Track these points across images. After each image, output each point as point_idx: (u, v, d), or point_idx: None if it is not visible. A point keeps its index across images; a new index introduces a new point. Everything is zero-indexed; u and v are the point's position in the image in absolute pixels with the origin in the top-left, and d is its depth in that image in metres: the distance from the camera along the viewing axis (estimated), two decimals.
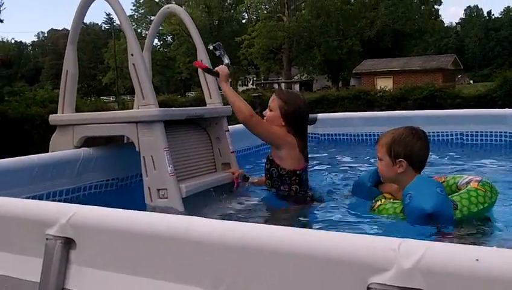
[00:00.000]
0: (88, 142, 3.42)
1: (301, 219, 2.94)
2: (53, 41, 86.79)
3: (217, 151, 3.59)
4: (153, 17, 44.28)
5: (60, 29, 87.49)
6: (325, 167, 4.47)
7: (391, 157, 2.62)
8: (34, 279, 1.58)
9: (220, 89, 3.45)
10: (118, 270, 1.50)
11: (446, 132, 5.41)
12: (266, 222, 2.93)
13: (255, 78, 61.43)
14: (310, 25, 44.10)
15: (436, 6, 57.27)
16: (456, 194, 2.48)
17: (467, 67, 69.20)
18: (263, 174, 3.35)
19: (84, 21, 3.73)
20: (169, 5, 4.27)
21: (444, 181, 2.72)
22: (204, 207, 3.13)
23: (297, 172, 3.16)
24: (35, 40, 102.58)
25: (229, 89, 3.25)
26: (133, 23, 50.99)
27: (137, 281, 1.46)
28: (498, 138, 5.20)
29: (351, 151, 5.44)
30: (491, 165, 4.22)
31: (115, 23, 66.64)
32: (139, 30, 52.99)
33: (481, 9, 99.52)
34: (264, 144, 3.27)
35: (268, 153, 3.31)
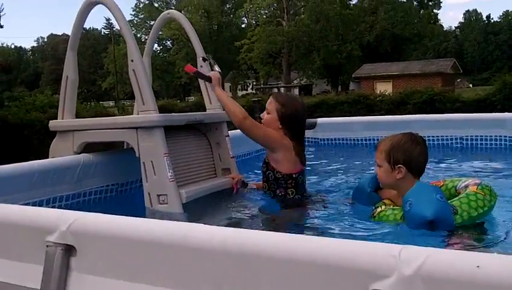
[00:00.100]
0: (87, 147, 3.42)
1: (300, 224, 2.93)
2: (53, 47, 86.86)
3: (217, 156, 3.59)
4: (152, 22, 44.39)
5: (60, 34, 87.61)
6: (324, 171, 4.47)
7: (390, 164, 2.62)
8: (34, 286, 1.58)
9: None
10: (118, 277, 1.50)
11: (446, 136, 5.40)
12: (266, 228, 2.92)
13: (254, 83, 61.54)
14: (309, 29, 44.20)
15: (435, 11, 57.54)
16: (456, 198, 2.48)
17: (466, 71, 69.21)
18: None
19: (84, 26, 3.73)
20: (169, 10, 4.28)
21: (442, 185, 2.72)
22: (204, 212, 3.13)
23: (293, 175, 3.15)
24: (35, 45, 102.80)
25: (222, 92, 3.26)
26: (133, 28, 51.02)
27: (137, 288, 1.46)
28: (498, 142, 5.20)
29: (351, 156, 5.44)
30: (491, 169, 4.22)
31: (114, 28, 66.74)
32: (138, 35, 53.06)
33: (480, 13, 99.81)
34: (264, 149, 3.27)
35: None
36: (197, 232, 1.43)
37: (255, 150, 5.00)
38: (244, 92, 56.82)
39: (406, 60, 48.24)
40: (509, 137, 5.14)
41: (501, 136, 5.19)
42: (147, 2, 57.78)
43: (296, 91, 48.05)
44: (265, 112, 3.26)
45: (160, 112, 3.14)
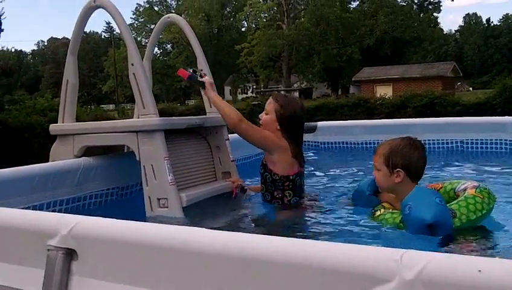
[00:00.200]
0: (87, 151, 3.42)
1: (300, 227, 2.93)
2: (53, 50, 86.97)
3: (217, 160, 3.59)
4: (152, 26, 44.43)
5: (60, 37, 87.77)
6: (324, 175, 4.47)
7: (389, 168, 2.63)
8: None
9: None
10: (119, 281, 1.50)
11: (446, 139, 5.41)
12: (266, 232, 2.92)
13: (254, 86, 61.53)
14: (309, 33, 44.21)
15: (435, 14, 57.51)
16: (454, 202, 2.49)
17: (466, 75, 69.29)
18: None
19: (84, 30, 3.73)
20: (170, 14, 4.28)
21: (441, 187, 2.74)
22: (205, 216, 3.13)
23: (291, 177, 3.15)
24: (35, 48, 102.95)
25: (216, 96, 3.29)
26: (133, 32, 51.14)
27: None
28: (498, 146, 5.20)
29: (351, 160, 5.44)
30: (491, 173, 4.22)
31: (114, 32, 66.78)
32: (138, 39, 53.15)
33: (480, 16, 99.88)
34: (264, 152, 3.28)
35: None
36: (198, 236, 1.43)
37: (254, 153, 5.00)
38: (244, 96, 56.76)
39: (406, 64, 48.31)
40: (509, 141, 5.14)
41: (501, 139, 5.19)
42: (147, 5, 57.91)
43: (296, 94, 48.07)
44: (264, 113, 3.26)
45: (160, 116, 3.14)
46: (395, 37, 49.52)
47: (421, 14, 54.49)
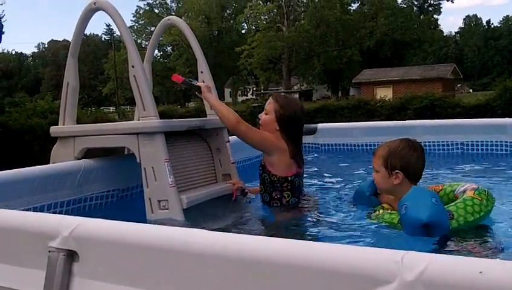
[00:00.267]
0: (87, 153, 3.42)
1: (299, 229, 2.93)
2: (53, 52, 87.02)
3: (217, 162, 3.59)
4: (152, 28, 44.50)
5: (60, 40, 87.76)
6: (324, 176, 4.47)
7: (387, 169, 2.65)
8: None
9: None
10: (120, 283, 1.50)
11: (446, 141, 5.40)
12: (266, 233, 2.92)
13: (254, 88, 61.64)
14: (309, 35, 44.30)
15: (435, 16, 57.52)
16: (452, 204, 2.50)
17: (467, 77, 69.29)
18: None
19: (84, 32, 3.73)
20: (170, 16, 4.29)
21: (441, 189, 2.75)
22: (205, 218, 3.13)
23: (289, 178, 3.15)
24: (36, 51, 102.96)
25: (214, 98, 3.31)
26: (133, 34, 51.16)
27: None
28: (498, 148, 5.20)
29: (351, 161, 5.44)
30: (492, 175, 4.22)
31: (115, 34, 66.88)
32: (139, 41, 53.18)
33: (480, 18, 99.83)
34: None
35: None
36: (198, 237, 1.43)
37: (255, 155, 5.00)
38: (244, 98, 56.91)
39: (406, 65, 48.31)
40: (510, 142, 5.14)
41: (502, 141, 5.18)
42: (147, 8, 57.91)
43: (296, 96, 48.12)
44: (263, 112, 3.26)
45: (160, 118, 3.15)
46: (395, 39, 49.55)
47: (421, 16, 54.54)
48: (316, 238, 2.64)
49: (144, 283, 1.46)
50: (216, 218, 3.18)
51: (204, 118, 3.71)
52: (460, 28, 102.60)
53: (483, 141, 5.27)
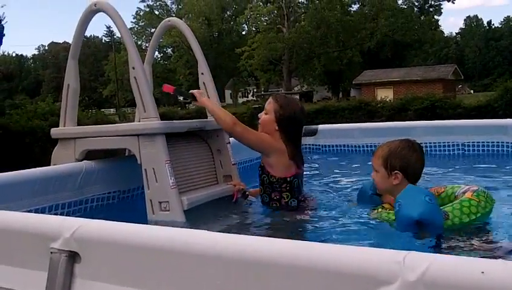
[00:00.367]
0: (88, 155, 3.42)
1: (300, 229, 2.93)
2: (53, 55, 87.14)
3: (218, 163, 3.58)
4: (153, 30, 44.52)
5: (61, 42, 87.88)
6: (325, 177, 4.47)
7: (387, 170, 2.66)
8: None
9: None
10: (122, 284, 1.50)
11: (447, 142, 5.39)
12: (267, 234, 2.92)
13: (255, 90, 61.62)
14: (309, 36, 44.31)
15: (436, 17, 57.45)
16: (449, 205, 2.51)
17: (467, 77, 69.32)
18: None
19: (85, 34, 3.73)
20: (170, 18, 4.28)
21: (443, 191, 2.75)
22: (206, 219, 3.13)
23: (288, 179, 3.14)
24: (36, 53, 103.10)
25: (210, 102, 3.35)
26: (133, 36, 51.11)
27: None
28: (499, 148, 5.19)
29: (352, 162, 5.43)
30: (492, 176, 4.21)
31: (115, 36, 66.95)
32: (139, 42, 53.21)
33: (481, 19, 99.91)
34: None
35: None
36: (199, 238, 1.43)
37: (255, 157, 5.00)
38: (245, 99, 56.88)
39: (407, 66, 48.33)
40: (511, 143, 5.14)
41: (503, 142, 5.18)
42: (147, 9, 58.00)
43: (297, 98, 48.06)
44: (263, 112, 3.25)
45: (161, 119, 3.15)
46: (396, 39, 49.55)
47: (422, 17, 54.45)
48: (315, 238, 2.63)
49: (145, 284, 1.46)
50: (217, 219, 3.18)
51: (205, 120, 3.71)
52: (461, 28, 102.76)
53: (484, 142, 5.27)
